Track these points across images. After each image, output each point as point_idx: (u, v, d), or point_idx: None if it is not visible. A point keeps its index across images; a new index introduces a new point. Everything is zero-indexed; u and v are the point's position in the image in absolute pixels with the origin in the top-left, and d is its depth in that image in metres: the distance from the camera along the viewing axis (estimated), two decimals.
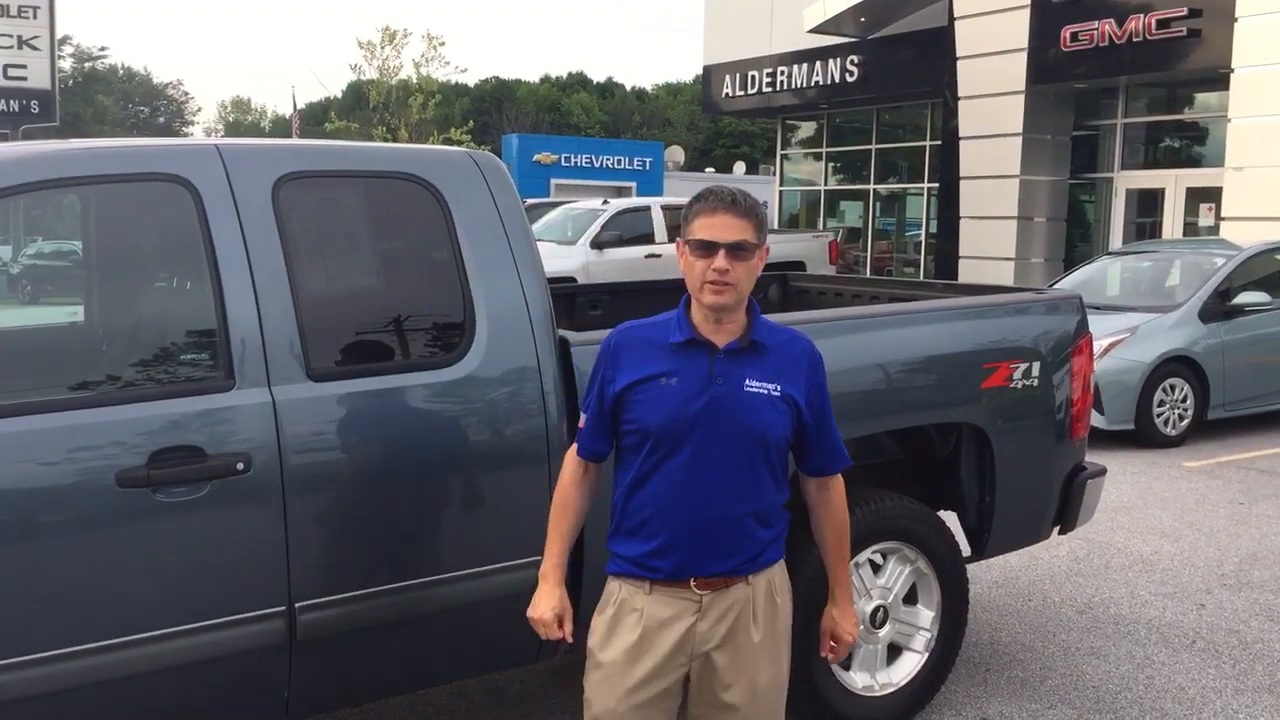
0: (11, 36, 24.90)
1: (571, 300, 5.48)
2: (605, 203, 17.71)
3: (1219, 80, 15.18)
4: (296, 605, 3.01)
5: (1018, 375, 4.18)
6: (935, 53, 18.65)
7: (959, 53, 17.93)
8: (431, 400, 3.22)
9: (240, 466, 2.91)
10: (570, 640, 2.65)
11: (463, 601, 3.27)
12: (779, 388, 2.51)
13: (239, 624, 2.94)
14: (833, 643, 2.81)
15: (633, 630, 2.53)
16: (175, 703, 2.94)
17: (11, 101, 25.12)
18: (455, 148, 3.66)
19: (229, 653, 2.94)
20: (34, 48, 25.26)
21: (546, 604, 2.60)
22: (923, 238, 21.61)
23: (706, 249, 2.44)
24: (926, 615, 4.08)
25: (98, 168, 2.99)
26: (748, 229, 2.46)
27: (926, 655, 4.07)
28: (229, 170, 3.07)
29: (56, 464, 2.73)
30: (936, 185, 19.86)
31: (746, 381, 2.49)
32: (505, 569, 3.32)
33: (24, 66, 25.16)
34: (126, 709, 2.88)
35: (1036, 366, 4.22)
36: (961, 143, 18.10)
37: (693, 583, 2.52)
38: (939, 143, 19.58)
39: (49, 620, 2.72)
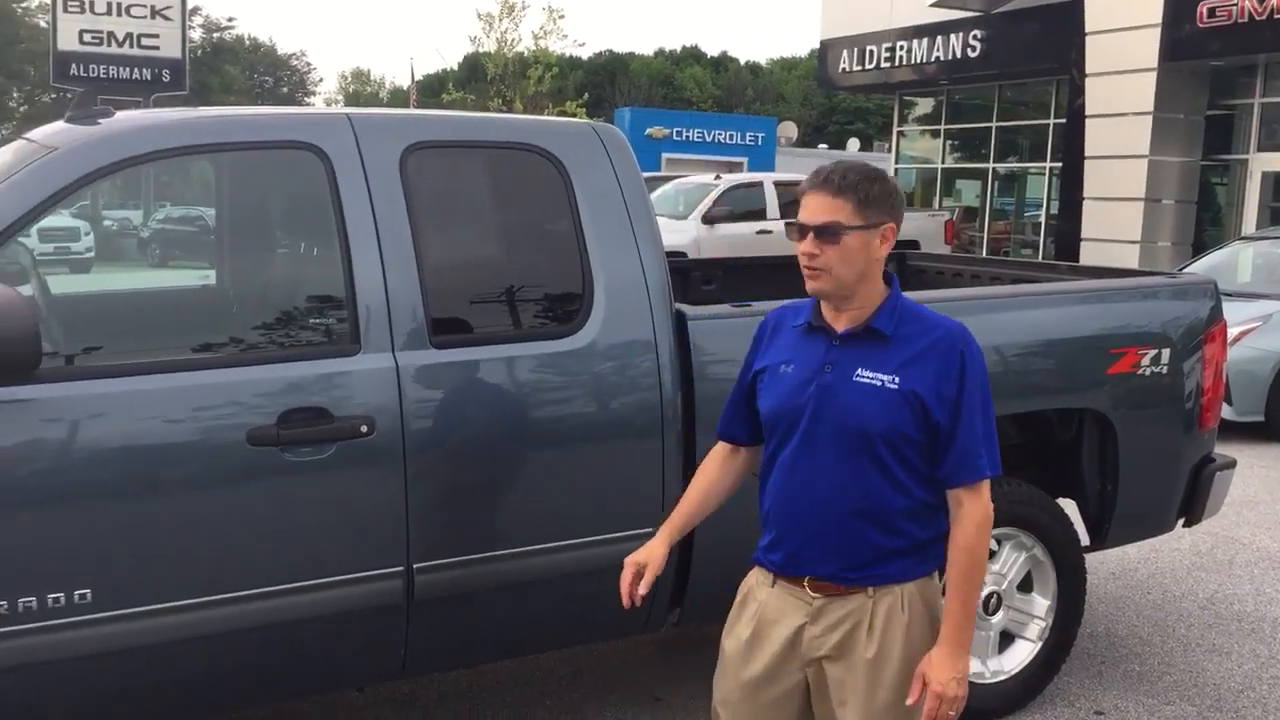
0: (145, 6, 25.61)
1: (685, 275, 5.47)
2: (718, 178, 17.63)
3: None
4: (414, 566, 3.07)
5: (1146, 362, 4.05)
6: (1063, 28, 18.07)
7: (1088, 28, 17.34)
8: (548, 370, 3.25)
9: (364, 429, 2.98)
10: (636, 595, 2.50)
11: (572, 570, 3.30)
12: (897, 379, 2.28)
13: (359, 582, 3.01)
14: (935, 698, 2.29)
15: (749, 623, 2.46)
16: (296, 655, 3.04)
17: (144, 70, 25.86)
18: (578, 120, 3.68)
19: (350, 609, 3.02)
20: (166, 18, 25.94)
21: (639, 552, 2.56)
22: (1042, 218, 21.03)
23: (798, 231, 2.32)
24: (1041, 604, 4.00)
25: (235, 135, 3.08)
26: (842, 208, 2.27)
27: (1040, 644, 3.99)
28: (359, 139, 3.13)
29: (193, 420, 2.83)
30: (1059, 165, 19.29)
31: (858, 371, 2.31)
32: (614, 540, 3.33)
33: (156, 36, 25.86)
34: (248, 659, 2.98)
35: (1166, 353, 4.08)
36: (1088, 121, 17.52)
37: (806, 583, 2.39)
38: (1063, 121, 19.00)
39: (183, 571, 2.82)
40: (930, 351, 2.31)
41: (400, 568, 3.06)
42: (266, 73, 75.54)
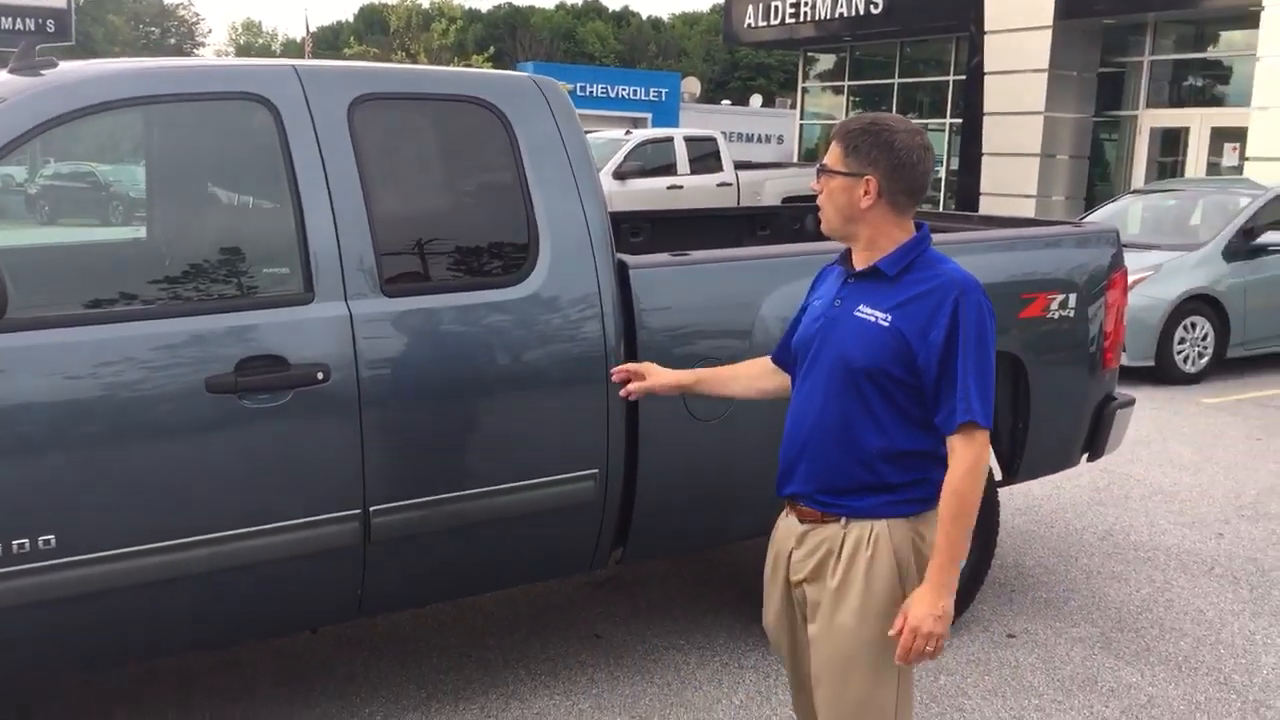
0: None
1: (615, 227, 5.56)
2: (628, 133, 17.69)
3: (1247, 18, 15.07)
4: (371, 509, 3.16)
5: (1054, 306, 4.29)
6: None
7: None
8: (496, 317, 3.34)
9: (320, 376, 3.04)
10: (627, 389, 2.80)
11: (522, 510, 3.42)
12: (890, 318, 2.36)
13: (319, 525, 3.09)
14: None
15: (770, 550, 2.65)
16: (256, 598, 3.11)
17: (28, 20, 24.82)
18: (520, 73, 3.75)
19: (309, 551, 3.10)
20: None
21: (643, 365, 2.86)
22: (943, 173, 21.54)
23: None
24: None
25: (185, 85, 3.09)
26: (834, 153, 2.42)
27: None
28: (306, 90, 3.17)
29: (153, 368, 2.87)
30: (959, 121, 19.77)
31: (860, 307, 2.41)
32: (560, 481, 3.46)
33: None
34: (210, 603, 3.04)
35: (1073, 298, 4.33)
36: (986, 78, 18.00)
37: (794, 507, 2.56)
38: (963, 78, 19.46)
39: (146, 517, 2.87)
40: (926, 296, 2.36)
41: (357, 510, 3.14)
42: (153, 23, 72.98)
